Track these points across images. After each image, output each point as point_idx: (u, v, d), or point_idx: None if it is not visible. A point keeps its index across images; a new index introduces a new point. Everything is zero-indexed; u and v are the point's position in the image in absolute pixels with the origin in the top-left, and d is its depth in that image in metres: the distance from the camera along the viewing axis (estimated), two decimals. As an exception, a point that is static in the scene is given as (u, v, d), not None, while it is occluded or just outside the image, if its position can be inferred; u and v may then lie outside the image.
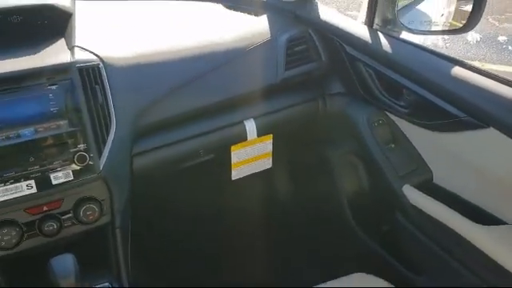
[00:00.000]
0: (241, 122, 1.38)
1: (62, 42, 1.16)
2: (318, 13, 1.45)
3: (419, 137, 1.33)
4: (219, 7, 1.54)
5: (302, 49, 1.43)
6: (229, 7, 1.55)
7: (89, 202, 1.12)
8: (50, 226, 1.08)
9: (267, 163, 1.50)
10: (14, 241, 1.05)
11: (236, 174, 1.46)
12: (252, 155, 1.45)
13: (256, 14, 1.50)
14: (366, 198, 1.53)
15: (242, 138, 1.39)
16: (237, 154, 1.42)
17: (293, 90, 1.45)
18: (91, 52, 1.12)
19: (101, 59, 1.12)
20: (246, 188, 1.56)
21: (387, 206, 1.42)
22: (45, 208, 1.08)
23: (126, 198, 1.18)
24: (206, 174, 1.48)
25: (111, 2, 1.43)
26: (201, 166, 1.38)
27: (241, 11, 1.53)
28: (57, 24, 1.19)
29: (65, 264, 0.99)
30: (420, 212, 1.29)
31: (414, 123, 1.32)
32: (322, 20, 1.43)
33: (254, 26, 1.44)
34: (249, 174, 1.48)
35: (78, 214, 1.11)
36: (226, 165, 1.44)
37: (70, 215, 1.11)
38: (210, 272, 1.66)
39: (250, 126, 1.39)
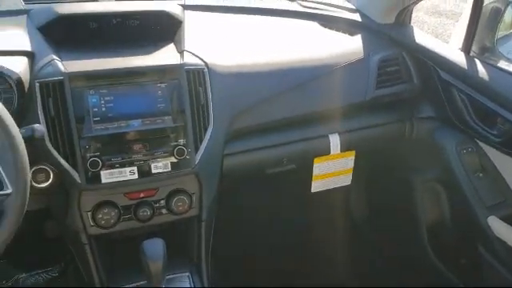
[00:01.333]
0: (325, 136, 1.41)
1: (172, 46, 1.28)
2: (413, 36, 1.47)
3: (510, 167, 1.29)
4: (315, 25, 1.60)
5: (394, 70, 1.45)
6: (324, 25, 1.60)
7: (180, 193, 1.20)
8: (144, 211, 1.17)
9: (347, 180, 1.52)
10: (112, 221, 1.15)
11: (316, 187, 1.49)
12: (333, 170, 1.47)
13: (351, 34, 1.54)
14: (447, 227, 1.49)
15: (325, 151, 1.42)
16: (319, 166, 1.45)
17: (381, 110, 1.47)
18: (198, 57, 1.22)
19: (206, 64, 1.21)
20: (322, 202, 1.58)
21: (469, 237, 1.38)
22: (141, 194, 1.17)
23: (214, 194, 1.25)
24: (286, 183, 1.52)
25: (218, 15, 1.54)
26: (282, 174, 1.42)
27: (336, 30, 1.58)
28: (168, 29, 1.31)
29: (155, 248, 1.06)
30: (505, 245, 1.24)
31: (505, 153, 1.28)
32: (416, 43, 1.44)
33: (348, 45, 1.48)
34: (328, 188, 1.50)
35: (170, 204, 1.19)
36: (307, 176, 1.47)
37: (163, 204, 1.20)
38: (279, 274, 1.68)
39: (335, 141, 1.41)
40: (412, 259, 1.61)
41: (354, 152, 1.47)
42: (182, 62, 1.18)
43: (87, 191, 1.11)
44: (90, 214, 1.14)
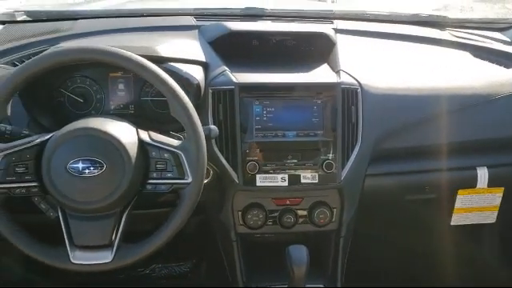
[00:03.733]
0: (473, 168, 1.36)
1: (326, 66, 1.35)
2: None
3: None
4: (467, 55, 1.56)
5: None
6: (476, 56, 1.56)
7: (323, 206, 1.24)
8: (288, 218, 1.24)
9: (491, 217, 1.44)
10: (259, 223, 1.23)
11: (456, 220, 1.43)
12: (477, 205, 1.41)
13: (506, 66, 1.48)
14: None
15: (471, 184, 1.37)
16: (462, 199, 1.40)
17: None
18: (353, 77, 1.27)
19: (359, 84, 1.26)
20: (461, 236, 1.51)
21: None
22: (287, 202, 1.24)
23: (355, 211, 1.28)
24: (423, 212, 1.49)
25: (367, 39, 1.58)
26: (421, 202, 1.40)
27: (489, 61, 1.53)
28: (323, 50, 1.39)
29: (300, 253, 1.11)
30: None
31: None
32: None
33: (502, 77, 1.42)
34: (470, 223, 1.43)
35: (312, 215, 1.24)
36: (447, 208, 1.42)
37: (305, 214, 1.25)
38: None
39: (482, 174, 1.36)
40: None
41: (502, 189, 1.39)
42: (338, 80, 1.24)
43: (242, 191, 1.21)
44: (240, 213, 1.23)
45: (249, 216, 1.23)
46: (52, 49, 1.01)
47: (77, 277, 1.62)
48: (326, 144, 1.21)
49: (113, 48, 0.97)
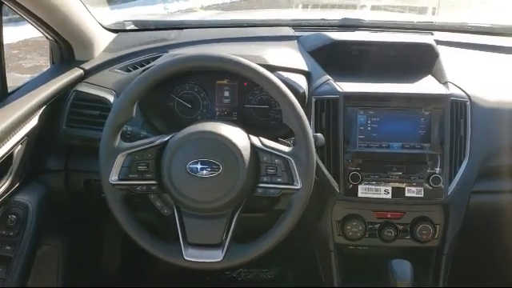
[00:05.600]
0: None
1: (431, 77, 1.31)
2: None
3: None
4: None
5: None
6: None
7: (425, 222, 1.21)
8: (389, 232, 1.21)
9: None
10: (358, 234, 1.21)
11: None
12: None
13: None
14: None
15: None
16: None
17: None
18: (461, 89, 1.23)
19: (468, 97, 1.21)
20: None
21: None
22: (388, 215, 1.21)
23: (459, 228, 1.22)
24: None
25: (466, 51, 1.52)
26: None
27: None
28: (426, 61, 1.35)
29: (404, 268, 1.08)
30: None
31: None
32: None
33: None
34: None
35: (414, 231, 1.21)
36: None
37: (407, 229, 1.22)
38: None
39: None
40: None
41: None
42: (447, 92, 1.20)
43: (342, 202, 1.20)
44: (339, 223, 1.22)
45: (348, 227, 1.21)
46: (177, 55, 1.06)
47: (165, 276, 1.69)
48: (433, 157, 1.17)
49: (235, 57, 1.01)
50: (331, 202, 1.21)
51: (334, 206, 1.21)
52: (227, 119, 1.29)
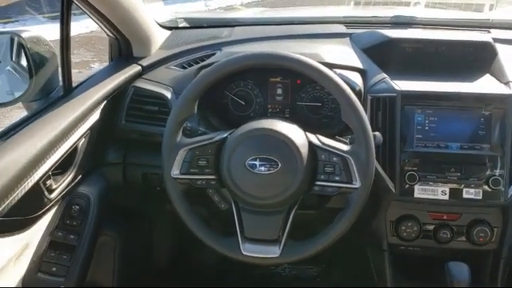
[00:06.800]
0: None
1: (490, 76, 1.28)
2: None
3: None
4: None
5: None
6: None
7: (483, 224, 1.18)
8: (444, 233, 1.19)
9: None
10: (413, 235, 1.20)
11: None
12: None
13: None
14: None
15: None
16: None
17: None
18: None
19: None
20: None
21: None
22: (444, 217, 1.20)
23: None
24: None
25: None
26: None
27: None
28: (483, 59, 1.31)
29: (462, 271, 1.07)
30: None
31: None
32: None
33: None
34: None
35: (470, 233, 1.18)
36: None
37: (462, 231, 1.19)
38: None
39: None
40: None
41: None
42: (510, 92, 1.17)
43: (397, 202, 1.19)
44: (393, 223, 1.21)
45: (402, 227, 1.20)
46: (238, 53, 1.08)
47: (210, 270, 1.73)
48: (493, 159, 1.14)
49: (295, 55, 1.01)
50: (386, 202, 1.20)
51: (389, 205, 1.20)
52: (279, 116, 1.30)
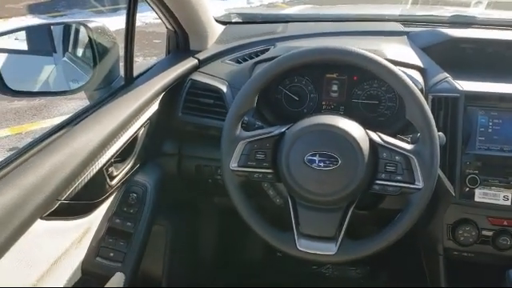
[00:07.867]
0: None
1: None
2: None
3: None
4: None
5: None
6: None
7: None
8: (504, 240, 1.15)
9: None
10: (470, 240, 1.17)
11: None
12: None
13: None
14: None
15: None
16: None
17: None
18: None
19: None
20: None
21: None
22: (505, 222, 1.16)
23: None
24: None
25: None
26: None
27: None
28: None
29: None
30: None
31: None
32: None
33: None
34: None
35: None
36: None
37: None
38: None
39: None
40: None
41: None
42: None
43: (455, 205, 1.16)
44: (450, 227, 1.18)
45: (459, 232, 1.17)
46: (296, 48, 1.07)
47: (254, 265, 1.73)
48: None
49: (362, 50, 1.00)
50: (444, 205, 1.17)
51: (447, 208, 1.17)
52: (333, 113, 1.29)
